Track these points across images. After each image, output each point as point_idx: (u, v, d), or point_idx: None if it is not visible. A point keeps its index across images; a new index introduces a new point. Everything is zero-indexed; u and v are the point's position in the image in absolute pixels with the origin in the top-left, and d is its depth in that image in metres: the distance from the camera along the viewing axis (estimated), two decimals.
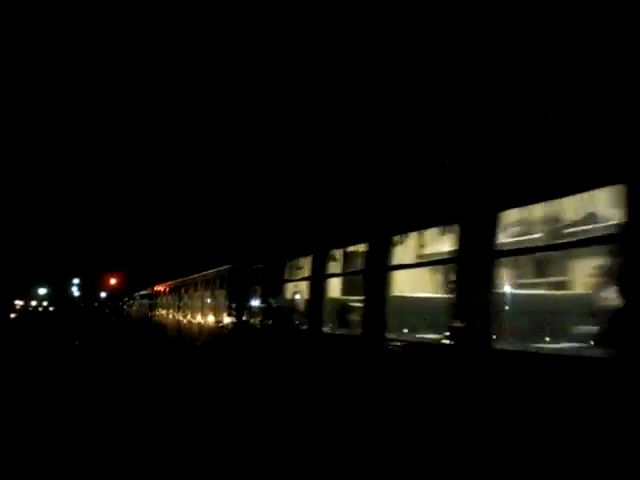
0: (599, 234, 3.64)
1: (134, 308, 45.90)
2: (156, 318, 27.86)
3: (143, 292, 37.49)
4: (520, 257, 4.77)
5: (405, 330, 5.73)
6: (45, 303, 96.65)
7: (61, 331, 32.04)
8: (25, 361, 16.13)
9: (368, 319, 6.05)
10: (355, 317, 6.68)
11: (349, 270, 7.16)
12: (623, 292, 3.37)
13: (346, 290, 7.74)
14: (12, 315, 55.58)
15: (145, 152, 53.05)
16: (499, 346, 4.25)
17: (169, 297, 23.65)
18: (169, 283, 24.08)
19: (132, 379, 12.77)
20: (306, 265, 8.07)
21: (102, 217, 69.39)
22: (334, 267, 7.23)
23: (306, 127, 23.33)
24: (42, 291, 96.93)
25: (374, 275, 6.00)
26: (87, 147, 69.17)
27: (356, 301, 6.78)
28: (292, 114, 24.33)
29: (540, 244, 4.64)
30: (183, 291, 19.95)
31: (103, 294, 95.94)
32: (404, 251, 5.87)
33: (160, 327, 25.12)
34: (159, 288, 27.60)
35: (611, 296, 3.45)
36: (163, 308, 25.66)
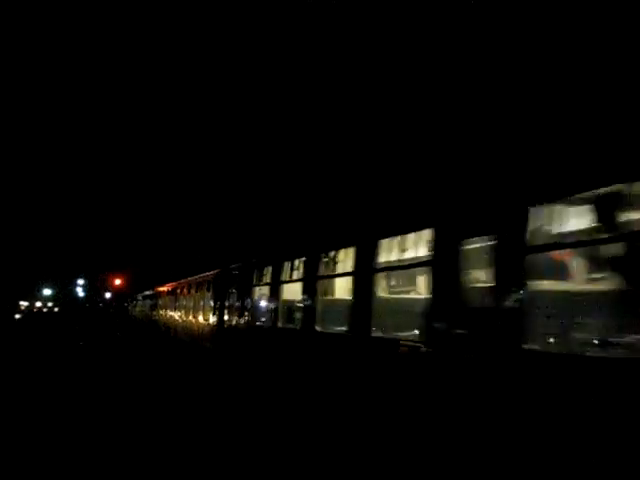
0: (425, 260, 5.73)
1: (137, 308, 48.04)
2: (156, 317, 30.05)
3: (145, 293, 39.71)
4: (392, 272, 6.89)
5: (326, 324, 7.88)
6: (50, 304, 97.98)
7: (66, 332, 32.79)
8: (30, 362, 16.53)
9: (305, 316, 8.23)
10: (297, 315, 8.87)
11: (294, 279, 9.31)
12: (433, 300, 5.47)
13: (292, 294, 9.88)
14: (17, 316, 56.68)
15: (150, 157, 55.03)
16: (373, 334, 6.39)
17: (168, 298, 25.91)
18: (168, 285, 26.36)
19: (134, 376, 13.83)
20: (267, 273, 10.29)
21: (106, 218, 71.36)
22: (284, 276, 9.42)
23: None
24: (47, 292, 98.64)
25: (309, 282, 8.18)
26: (90, 148, 71.29)
27: (298, 302, 8.95)
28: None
29: (400, 264, 6.75)
30: (179, 292, 22.21)
31: (108, 294, 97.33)
32: (327, 265, 8.02)
33: (159, 326, 27.39)
34: (159, 289, 29.90)
35: (430, 301, 5.52)
36: (162, 308, 27.91)
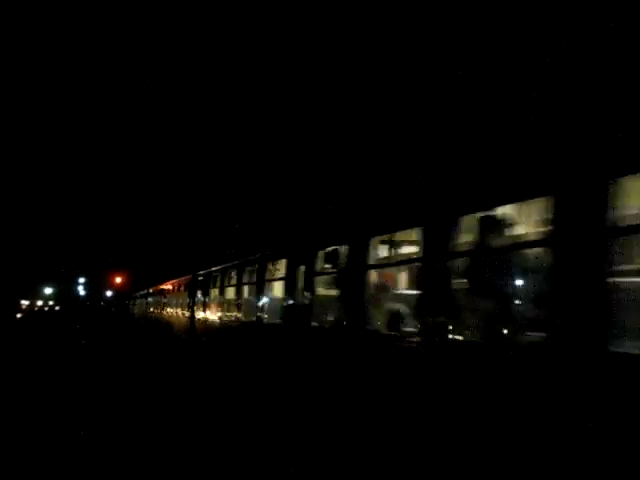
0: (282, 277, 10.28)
1: (136, 306, 53.15)
2: (149, 314, 35.13)
3: (142, 292, 44.70)
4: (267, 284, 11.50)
5: (246, 315, 12.53)
6: (51, 302, 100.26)
7: (67, 330, 34.24)
8: (32, 360, 17.69)
9: (236, 311, 12.87)
10: (234, 310, 13.52)
11: (230, 284, 13.94)
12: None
13: (231, 295, 14.50)
14: (18, 315, 59.08)
15: (149, 156, 58.73)
16: (265, 321, 10.98)
17: (158, 296, 30.93)
18: (158, 285, 31.36)
19: (129, 368, 15.59)
20: (218, 280, 14.94)
21: (106, 216, 75.46)
22: (225, 282, 14.07)
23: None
24: (48, 290, 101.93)
25: (238, 288, 12.81)
26: (90, 147, 75.39)
27: (234, 301, 13.59)
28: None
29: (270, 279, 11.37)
30: (166, 292, 27.14)
31: (109, 293, 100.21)
32: (248, 276, 12.66)
33: (152, 321, 32.36)
34: (152, 289, 34.94)
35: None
36: (154, 305, 32.98)
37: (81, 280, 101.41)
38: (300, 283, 9.37)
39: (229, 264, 13.88)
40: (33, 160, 71.77)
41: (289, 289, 9.79)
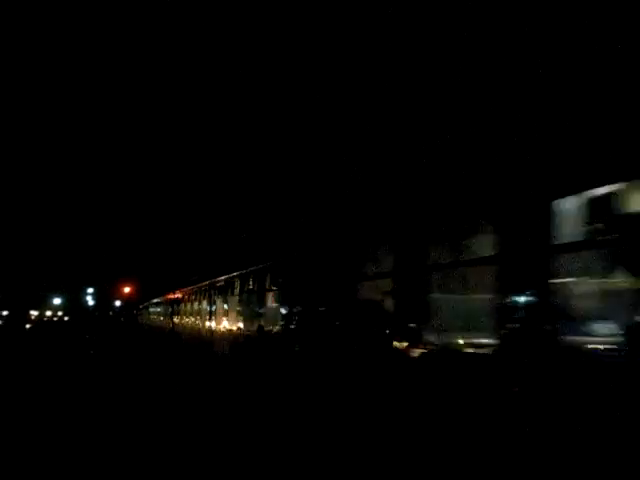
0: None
1: (141, 315, 61.24)
2: (151, 321, 43.23)
3: (145, 304, 52.66)
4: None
5: (201, 322, 19.81)
6: (60, 313, 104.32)
7: (76, 341, 35.83)
8: (42, 371, 19.25)
9: (192, 320, 20.16)
10: (191, 319, 20.80)
11: (188, 301, 21.17)
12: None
13: (189, 310, 21.74)
14: (27, 325, 62.69)
15: (158, 168, 63.19)
16: (214, 327, 18.25)
17: (156, 308, 38.93)
18: (155, 299, 39.37)
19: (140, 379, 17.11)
20: (186, 301, 22.26)
21: (115, 226, 79.53)
22: (189, 301, 21.34)
23: None
24: (57, 301, 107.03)
25: (192, 305, 20.12)
26: (99, 160, 79.91)
27: (191, 313, 20.88)
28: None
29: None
30: (159, 305, 34.93)
31: (118, 302, 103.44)
32: (198, 298, 19.88)
33: (152, 327, 40.30)
34: (152, 301, 42.96)
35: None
36: (154, 315, 41.00)
37: (90, 290, 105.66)
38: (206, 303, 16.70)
39: (190, 287, 21.28)
40: (41, 171, 76.83)
41: (213, 306, 17.13)
